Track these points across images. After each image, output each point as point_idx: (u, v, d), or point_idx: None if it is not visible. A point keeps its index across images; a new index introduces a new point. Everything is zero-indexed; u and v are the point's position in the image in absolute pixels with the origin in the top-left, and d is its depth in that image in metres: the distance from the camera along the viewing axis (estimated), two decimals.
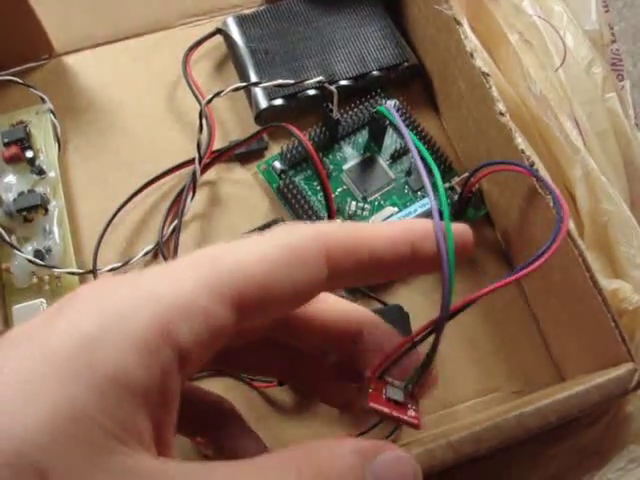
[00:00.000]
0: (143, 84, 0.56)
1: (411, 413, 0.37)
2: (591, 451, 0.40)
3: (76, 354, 0.18)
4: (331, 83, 0.51)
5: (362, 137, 0.53)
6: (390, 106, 0.42)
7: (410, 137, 0.35)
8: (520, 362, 0.47)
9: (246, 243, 0.22)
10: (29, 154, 0.51)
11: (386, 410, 0.28)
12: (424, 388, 0.28)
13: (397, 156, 0.51)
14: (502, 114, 0.43)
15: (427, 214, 0.46)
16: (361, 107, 0.53)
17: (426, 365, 0.33)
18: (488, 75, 0.44)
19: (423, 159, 0.31)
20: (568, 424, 0.37)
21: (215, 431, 0.26)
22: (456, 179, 0.49)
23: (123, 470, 0.18)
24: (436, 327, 0.30)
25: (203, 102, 0.50)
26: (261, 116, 0.52)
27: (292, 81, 0.50)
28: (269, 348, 0.28)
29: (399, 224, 0.25)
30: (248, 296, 0.21)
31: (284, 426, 0.44)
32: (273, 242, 0.22)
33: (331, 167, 0.51)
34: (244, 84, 0.51)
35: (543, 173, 0.42)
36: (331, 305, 0.27)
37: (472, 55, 0.45)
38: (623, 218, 0.46)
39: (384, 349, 0.27)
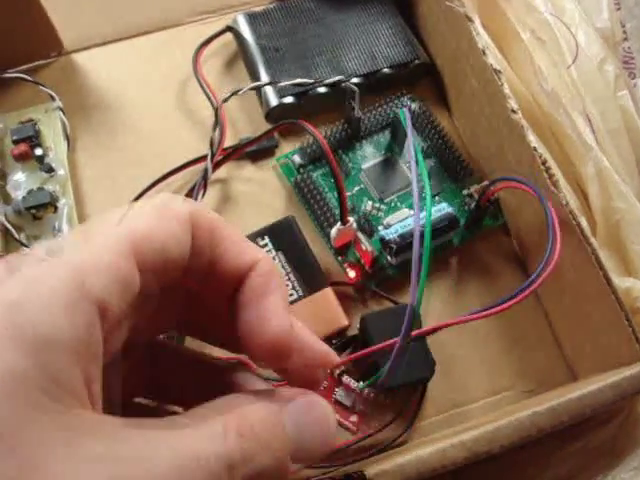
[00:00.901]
0: (153, 82, 0.56)
1: (352, 419, 0.38)
2: (604, 450, 0.40)
3: (3, 321, 0.19)
4: (341, 81, 0.51)
5: (384, 137, 0.53)
6: (407, 113, 0.42)
7: (415, 154, 0.36)
8: (532, 361, 0.47)
9: (133, 208, 0.24)
10: (38, 152, 0.50)
11: None
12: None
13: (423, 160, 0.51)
14: (514, 112, 0.43)
15: (442, 219, 0.46)
16: (385, 107, 0.53)
17: (383, 376, 0.34)
18: (500, 72, 0.44)
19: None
20: (581, 423, 0.37)
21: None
22: (475, 187, 0.48)
23: (59, 427, 0.19)
24: (397, 348, 0.32)
25: (220, 100, 0.50)
26: (271, 114, 0.52)
27: (310, 80, 0.50)
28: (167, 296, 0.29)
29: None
30: (143, 247, 0.23)
31: None
32: (153, 204, 0.25)
33: (350, 165, 0.51)
34: (262, 83, 0.51)
35: (555, 170, 0.41)
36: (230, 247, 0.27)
37: (484, 52, 0.45)
38: (636, 216, 0.45)
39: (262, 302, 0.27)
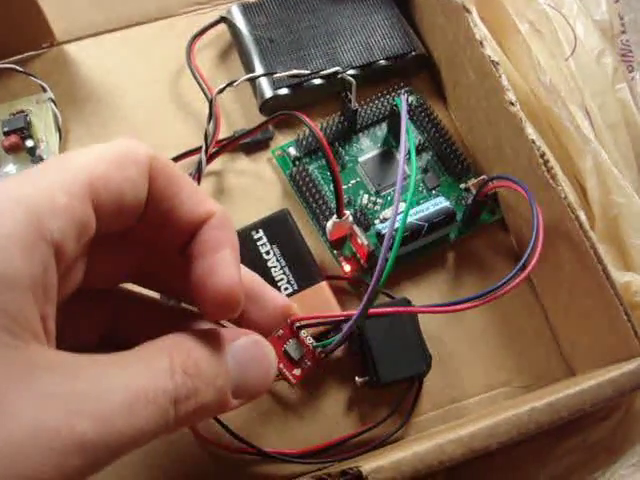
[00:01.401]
0: (146, 73, 0.55)
1: (295, 372, 0.39)
2: (602, 447, 0.40)
3: None
4: (337, 72, 0.50)
5: (381, 130, 0.52)
6: (404, 100, 0.41)
7: (407, 140, 0.36)
8: (529, 357, 0.46)
9: (88, 149, 0.25)
10: (29, 143, 0.50)
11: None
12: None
13: (415, 152, 0.50)
14: (512, 104, 0.43)
15: (440, 213, 0.45)
16: (382, 99, 0.52)
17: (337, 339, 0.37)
18: (498, 64, 0.43)
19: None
20: (579, 420, 0.37)
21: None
22: (473, 180, 0.48)
23: (19, 362, 0.19)
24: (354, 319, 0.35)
25: (215, 91, 0.49)
26: (266, 106, 0.52)
27: (306, 71, 0.50)
28: (124, 244, 0.29)
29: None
30: (100, 190, 0.23)
31: (288, 423, 0.43)
32: (112, 148, 0.25)
33: (346, 158, 0.51)
34: (257, 74, 0.50)
35: (553, 164, 0.41)
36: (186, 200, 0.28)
37: (482, 44, 0.44)
38: (634, 210, 0.45)
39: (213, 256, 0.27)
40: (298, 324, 0.38)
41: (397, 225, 0.36)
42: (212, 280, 0.26)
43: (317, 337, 0.40)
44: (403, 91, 0.52)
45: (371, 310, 0.36)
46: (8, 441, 0.18)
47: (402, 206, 0.48)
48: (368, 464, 0.33)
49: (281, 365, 0.39)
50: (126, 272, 0.31)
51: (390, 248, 0.34)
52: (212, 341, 0.26)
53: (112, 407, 0.20)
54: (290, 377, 0.40)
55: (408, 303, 0.44)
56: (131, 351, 0.23)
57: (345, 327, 0.36)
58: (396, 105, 0.47)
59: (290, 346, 0.39)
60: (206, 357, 0.25)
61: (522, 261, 0.38)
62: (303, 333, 0.40)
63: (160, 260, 0.31)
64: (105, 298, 0.31)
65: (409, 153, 0.38)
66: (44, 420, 0.19)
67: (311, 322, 0.37)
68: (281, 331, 0.38)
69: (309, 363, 0.40)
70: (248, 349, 0.28)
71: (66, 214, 0.22)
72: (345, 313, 0.38)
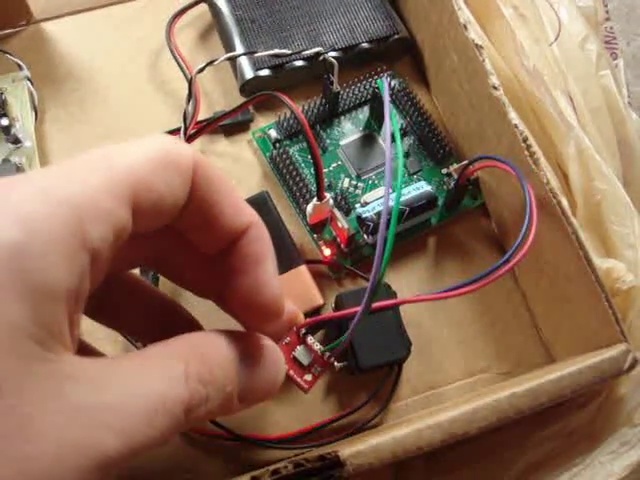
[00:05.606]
0: (125, 52, 0.54)
1: (306, 377, 0.39)
2: (582, 434, 0.40)
3: (5, 264, 0.18)
4: (319, 54, 0.49)
5: (363, 114, 0.51)
6: (385, 81, 0.41)
7: (391, 120, 0.36)
8: (508, 343, 0.46)
9: (131, 144, 0.24)
10: (4, 122, 0.48)
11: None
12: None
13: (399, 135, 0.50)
14: (495, 88, 0.42)
15: (421, 198, 0.45)
16: (364, 82, 0.52)
17: (344, 341, 0.36)
18: (482, 48, 0.43)
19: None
20: (559, 406, 0.37)
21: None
22: (455, 166, 0.47)
23: (51, 376, 0.19)
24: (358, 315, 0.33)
25: (194, 71, 0.48)
26: (246, 87, 0.51)
27: (289, 51, 0.49)
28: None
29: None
30: (141, 196, 0.22)
31: (266, 407, 0.43)
32: (157, 147, 0.24)
33: (327, 141, 0.50)
34: (238, 53, 0.50)
35: (535, 149, 0.41)
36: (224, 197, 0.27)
37: (466, 27, 0.44)
38: (617, 197, 0.45)
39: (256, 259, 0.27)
40: (304, 330, 0.38)
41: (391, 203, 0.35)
42: (257, 295, 0.26)
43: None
44: (386, 75, 0.52)
45: (374, 305, 0.35)
46: (35, 465, 0.18)
47: (383, 191, 0.47)
48: (346, 449, 0.32)
49: (291, 372, 0.39)
50: (142, 258, 0.30)
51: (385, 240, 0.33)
52: (224, 345, 0.25)
53: (135, 420, 0.20)
54: (302, 383, 0.40)
55: (388, 288, 0.43)
56: (147, 353, 0.23)
57: (351, 325, 0.34)
58: (378, 87, 0.47)
59: (299, 352, 0.39)
60: (219, 363, 0.24)
61: (521, 234, 0.37)
62: (310, 340, 0.39)
63: (185, 253, 0.30)
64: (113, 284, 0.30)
65: (393, 136, 0.38)
66: (71, 438, 0.19)
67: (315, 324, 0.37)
68: (288, 338, 0.38)
69: (320, 369, 0.40)
70: (257, 353, 0.27)
71: (109, 220, 0.21)
72: (347, 311, 0.37)
